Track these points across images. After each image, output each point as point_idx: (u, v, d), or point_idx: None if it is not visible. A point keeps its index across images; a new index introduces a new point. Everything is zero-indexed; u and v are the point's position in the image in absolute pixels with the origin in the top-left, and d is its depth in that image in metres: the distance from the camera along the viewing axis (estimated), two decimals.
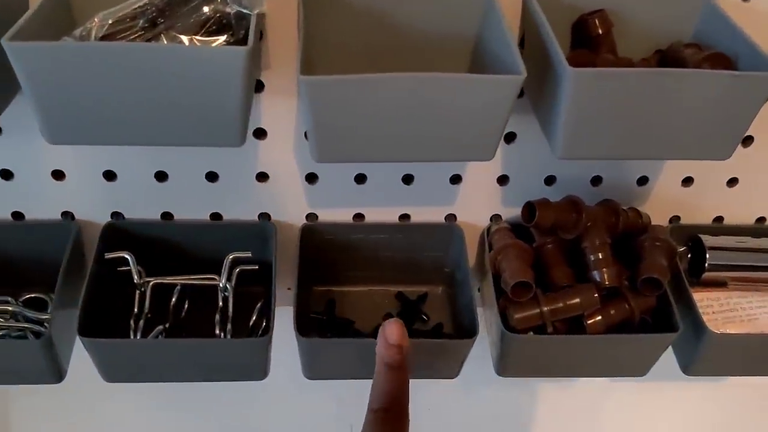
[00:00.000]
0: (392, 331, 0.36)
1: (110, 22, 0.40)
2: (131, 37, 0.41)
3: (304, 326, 0.51)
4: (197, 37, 0.42)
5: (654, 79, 0.41)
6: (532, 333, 0.53)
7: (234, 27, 0.43)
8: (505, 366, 0.54)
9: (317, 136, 0.42)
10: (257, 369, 0.53)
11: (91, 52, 0.37)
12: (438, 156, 0.44)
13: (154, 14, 0.41)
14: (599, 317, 0.52)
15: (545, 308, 0.51)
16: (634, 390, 0.79)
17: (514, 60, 0.41)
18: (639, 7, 0.49)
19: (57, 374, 0.53)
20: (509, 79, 0.40)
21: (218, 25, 0.43)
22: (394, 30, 0.49)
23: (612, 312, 0.53)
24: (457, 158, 0.45)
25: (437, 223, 0.59)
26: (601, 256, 0.53)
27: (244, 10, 0.42)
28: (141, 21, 0.41)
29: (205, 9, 0.42)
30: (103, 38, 0.41)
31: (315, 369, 0.54)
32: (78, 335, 0.49)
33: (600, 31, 0.48)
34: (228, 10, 0.42)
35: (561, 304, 0.51)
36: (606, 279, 0.52)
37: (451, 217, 0.59)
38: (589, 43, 0.48)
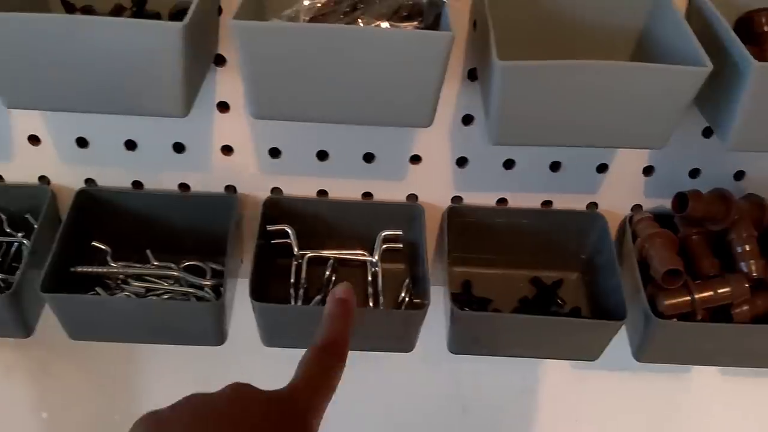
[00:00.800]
0: (340, 289, 0.41)
1: (318, 5, 0.43)
2: (333, 21, 0.44)
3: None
4: (389, 23, 0.45)
5: None
6: (676, 320, 0.54)
7: (425, 13, 0.46)
8: (646, 351, 0.56)
9: (501, 118, 0.44)
10: (408, 341, 0.56)
11: (305, 33, 0.41)
12: (612, 142, 0.46)
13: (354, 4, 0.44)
14: (746, 307, 0.54)
15: (696, 296, 0.53)
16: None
17: (696, 52, 0.43)
18: None
19: (220, 336, 0.57)
20: (698, 70, 0.42)
21: (409, 11, 0.46)
22: (561, 20, 0.51)
23: (758, 303, 0.54)
24: (631, 145, 0.47)
25: (581, 211, 0.61)
26: (748, 248, 0.54)
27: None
28: (343, 5, 0.44)
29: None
30: (311, 20, 0.44)
31: (461, 343, 0.57)
32: (251, 300, 0.53)
33: (766, 29, 0.50)
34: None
35: (712, 293, 0.53)
36: (754, 270, 0.54)
37: (592, 206, 0.61)
38: (755, 39, 0.50)
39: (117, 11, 0.49)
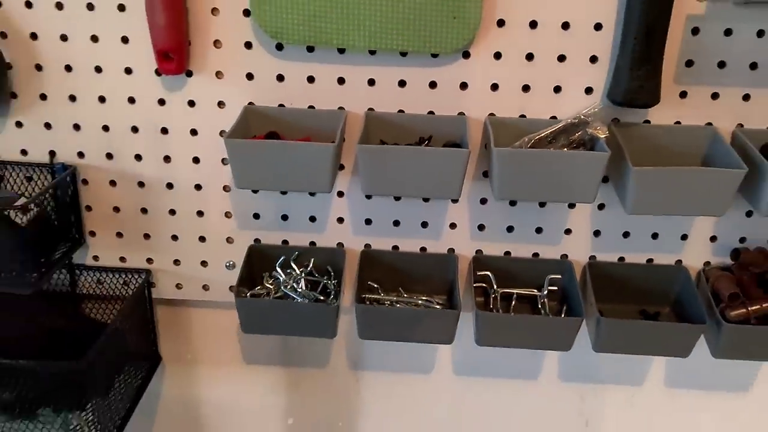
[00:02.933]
0: None
1: (533, 140, 0.83)
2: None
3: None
4: (566, 150, 0.84)
5: None
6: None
7: (586, 144, 0.84)
8: (720, 349, 0.89)
9: (635, 204, 0.81)
10: (568, 343, 0.91)
11: (530, 155, 0.80)
12: (703, 212, 0.83)
13: (552, 138, 0.84)
14: None
15: (750, 308, 0.87)
16: None
17: (738, 162, 0.81)
18: None
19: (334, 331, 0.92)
20: (739, 172, 0.79)
21: (578, 143, 0.85)
22: (658, 148, 0.89)
23: None
24: (708, 213, 0.83)
25: (671, 265, 0.96)
26: None
27: (595, 136, 0.83)
28: (548, 140, 0.84)
29: (576, 135, 0.84)
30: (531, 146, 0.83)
31: (605, 345, 0.91)
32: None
33: None
34: (584, 137, 0.84)
35: (758, 307, 0.87)
36: None
37: (678, 262, 0.96)
38: None
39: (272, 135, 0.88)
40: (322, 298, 0.94)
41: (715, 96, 0.87)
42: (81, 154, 0.94)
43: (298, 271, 0.96)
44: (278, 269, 0.95)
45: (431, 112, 0.89)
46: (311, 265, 0.96)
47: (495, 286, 0.96)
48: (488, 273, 0.96)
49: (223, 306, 1.05)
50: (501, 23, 0.84)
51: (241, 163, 0.82)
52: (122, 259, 1.00)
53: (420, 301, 0.96)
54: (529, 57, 0.86)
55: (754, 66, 0.85)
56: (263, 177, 0.83)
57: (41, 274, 0.87)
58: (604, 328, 0.89)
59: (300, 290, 0.94)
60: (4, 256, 0.85)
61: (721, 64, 0.85)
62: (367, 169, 0.81)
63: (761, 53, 0.85)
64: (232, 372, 1.12)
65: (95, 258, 1.00)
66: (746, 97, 0.87)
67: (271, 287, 0.95)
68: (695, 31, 0.84)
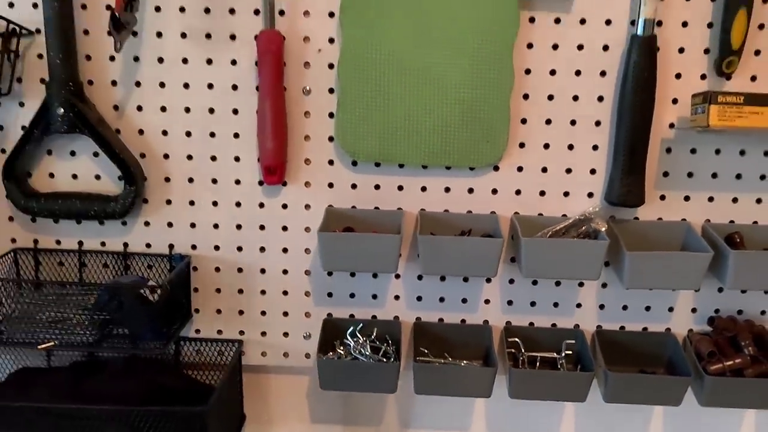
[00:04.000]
0: None
1: (551, 232, 1.09)
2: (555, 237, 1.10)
3: None
4: (576, 237, 1.10)
5: None
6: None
7: (590, 235, 1.11)
8: (704, 398, 1.12)
9: (630, 279, 1.07)
10: (583, 394, 1.13)
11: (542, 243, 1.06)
12: (682, 287, 1.08)
13: (564, 231, 1.10)
14: (750, 370, 1.11)
15: (725, 364, 1.10)
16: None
17: (707, 248, 1.07)
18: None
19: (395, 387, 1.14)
20: (707, 255, 1.05)
21: (585, 235, 1.11)
22: (650, 240, 1.15)
23: (756, 368, 1.11)
24: (686, 287, 1.08)
25: (662, 332, 1.20)
26: (747, 342, 1.12)
27: (597, 229, 1.10)
28: (561, 233, 1.10)
29: (582, 229, 1.10)
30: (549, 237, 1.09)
31: (613, 395, 1.13)
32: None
33: (737, 239, 1.13)
34: (589, 230, 1.10)
35: (732, 362, 1.10)
36: (751, 352, 1.11)
37: (667, 329, 1.20)
38: (732, 244, 1.13)
39: (348, 230, 1.14)
40: (384, 359, 1.17)
41: (686, 198, 1.14)
42: (194, 246, 1.20)
43: (363, 339, 1.19)
44: (348, 337, 1.19)
45: (470, 212, 1.16)
46: (374, 334, 1.20)
47: (523, 351, 1.19)
48: (517, 339, 1.19)
49: (298, 371, 1.27)
50: (522, 145, 1.13)
51: (328, 251, 1.08)
52: (219, 331, 1.24)
53: (462, 364, 1.19)
54: (544, 170, 1.14)
55: (714, 175, 1.13)
56: (344, 261, 1.08)
57: (166, 342, 1.10)
58: (610, 381, 1.12)
59: (366, 354, 1.17)
60: (140, 327, 1.08)
61: (690, 174, 1.13)
62: (425, 255, 1.07)
63: (719, 166, 1.13)
64: (301, 430, 1.33)
65: (197, 331, 1.24)
66: (710, 199, 1.14)
67: (342, 352, 1.19)
68: (669, 150, 1.12)
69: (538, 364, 1.19)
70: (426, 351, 1.20)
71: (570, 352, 1.20)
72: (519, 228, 1.10)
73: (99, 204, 1.14)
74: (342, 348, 1.19)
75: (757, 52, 1.08)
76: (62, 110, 1.08)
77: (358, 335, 1.20)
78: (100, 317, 1.10)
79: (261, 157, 1.12)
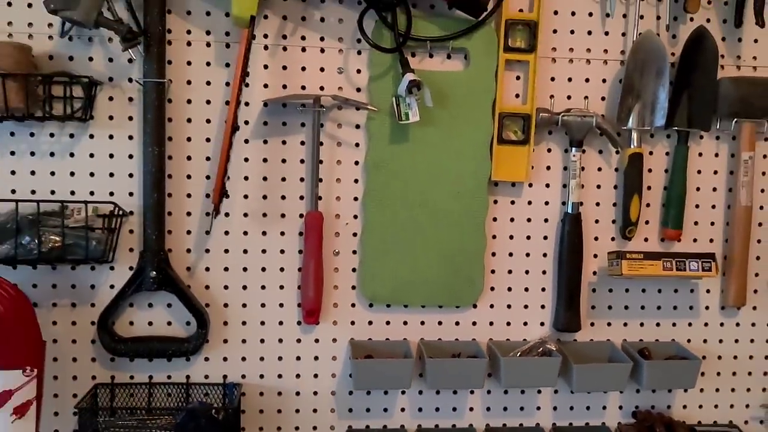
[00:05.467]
0: None
1: (519, 352, 1.50)
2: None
3: None
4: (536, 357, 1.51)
5: None
6: None
7: (546, 353, 1.52)
8: None
9: (576, 383, 1.48)
10: None
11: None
12: (607, 388, 1.50)
13: (529, 351, 1.51)
14: None
15: None
16: None
17: (627, 360, 1.50)
18: None
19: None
20: (629, 365, 1.49)
21: (542, 353, 1.52)
22: (582, 355, 1.58)
23: None
24: (614, 389, 1.50)
25: (600, 426, 1.60)
26: (661, 429, 1.55)
27: (551, 348, 1.52)
28: (527, 352, 1.51)
29: (540, 349, 1.52)
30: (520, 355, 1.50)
31: None
32: None
33: (647, 353, 1.58)
34: (546, 349, 1.52)
35: None
36: None
37: (603, 424, 1.61)
38: (645, 357, 1.57)
39: (368, 356, 1.53)
40: None
41: (609, 324, 1.59)
42: (243, 376, 1.52)
43: None
44: None
45: (457, 339, 1.56)
46: None
47: None
48: None
49: None
50: (492, 289, 1.56)
51: (361, 374, 1.44)
52: None
53: None
54: (509, 306, 1.57)
55: (626, 307, 1.59)
56: (373, 381, 1.44)
57: None
58: None
59: None
60: None
61: (609, 307, 1.59)
62: (432, 373, 1.45)
63: (629, 301, 1.59)
64: None
65: None
66: (625, 324, 1.59)
67: None
68: (594, 290, 1.58)
69: None
70: None
71: None
72: (497, 350, 1.50)
73: (175, 345, 1.45)
74: None
75: (647, 222, 1.58)
76: (155, 273, 1.41)
77: None
78: None
79: (303, 303, 1.49)
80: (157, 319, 1.48)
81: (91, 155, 1.43)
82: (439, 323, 1.55)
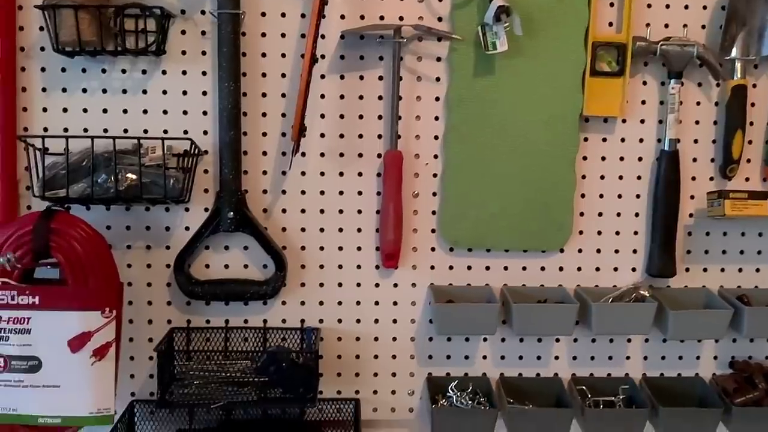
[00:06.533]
0: None
1: (611, 299, 1.42)
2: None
3: None
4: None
5: None
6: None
7: (639, 300, 1.44)
8: (734, 428, 1.43)
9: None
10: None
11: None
12: (704, 336, 1.41)
13: (620, 298, 1.43)
14: (766, 400, 1.43)
15: (747, 397, 1.43)
16: None
17: (727, 307, 1.41)
18: None
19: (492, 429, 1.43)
20: (730, 312, 1.39)
21: (635, 300, 1.44)
22: (677, 302, 1.49)
23: None
24: (715, 337, 1.42)
25: (692, 377, 1.52)
26: (760, 380, 1.45)
27: (643, 295, 1.43)
28: (619, 299, 1.43)
29: (632, 296, 1.43)
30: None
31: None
32: None
33: (746, 300, 1.48)
34: (638, 296, 1.44)
35: (751, 396, 1.43)
36: (765, 386, 1.44)
37: (696, 374, 1.52)
38: (744, 304, 1.48)
39: (449, 301, 1.46)
40: (482, 408, 1.45)
41: (704, 270, 1.50)
42: (321, 320, 1.47)
43: (458, 393, 1.47)
44: (450, 391, 1.47)
45: (542, 285, 1.48)
46: (469, 388, 1.48)
47: (589, 396, 1.49)
48: (583, 387, 1.49)
49: (402, 424, 1.53)
50: (581, 233, 1.47)
51: (441, 318, 1.38)
52: (338, 392, 1.50)
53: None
54: (598, 251, 1.48)
55: (724, 252, 1.49)
56: (455, 327, 1.38)
57: (313, 400, 1.35)
58: (662, 415, 1.42)
59: (467, 404, 1.44)
60: (294, 388, 1.34)
61: (706, 252, 1.49)
62: (519, 320, 1.38)
63: (727, 245, 1.49)
64: None
65: (319, 392, 1.49)
66: (722, 270, 1.50)
67: (446, 404, 1.46)
68: (690, 233, 1.48)
69: (601, 405, 1.49)
70: (511, 401, 1.49)
71: (623, 396, 1.50)
72: (586, 296, 1.42)
73: (253, 288, 1.41)
74: (445, 400, 1.47)
75: (748, 160, 1.47)
76: (232, 214, 1.36)
77: (454, 389, 1.48)
78: (260, 380, 1.36)
79: (382, 246, 1.43)
80: (233, 261, 1.44)
81: (164, 92, 1.38)
82: (524, 269, 1.48)
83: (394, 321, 1.48)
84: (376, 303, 1.47)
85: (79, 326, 1.24)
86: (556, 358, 1.51)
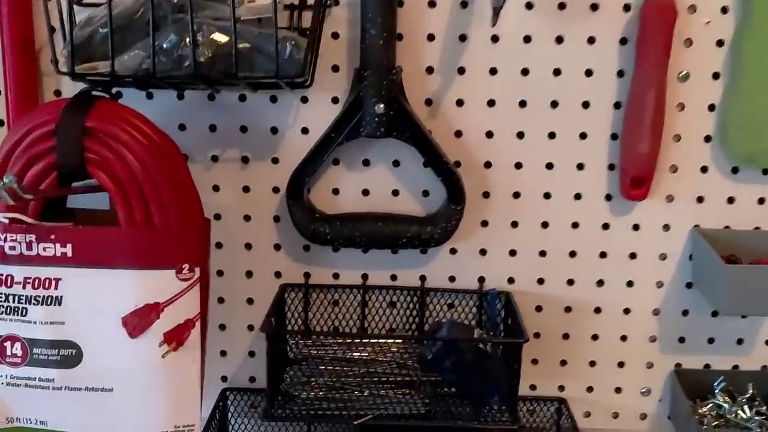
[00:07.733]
0: None
1: None
2: None
3: None
4: None
5: None
6: None
7: None
8: None
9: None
10: None
11: None
12: None
13: None
14: None
15: None
16: None
17: None
18: None
19: None
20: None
21: None
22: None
23: None
24: None
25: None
26: None
27: None
28: None
29: None
30: None
31: None
32: None
33: None
34: None
35: None
36: None
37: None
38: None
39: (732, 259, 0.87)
40: None
41: None
42: (511, 280, 0.93)
43: (726, 397, 0.92)
44: (718, 394, 0.92)
45: None
46: (749, 391, 0.93)
47: None
48: None
49: None
50: None
51: (730, 287, 0.81)
52: (532, 386, 0.97)
53: None
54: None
55: None
56: (754, 301, 0.81)
57: (514, 408, 0.83)
58: None
59: (751, 419, 0.90)
60: (484, 389, 0.82)
61: None
62: None
63: None
64: None
65: None
66: None
67: (707, 412, 0.92)
68: None
69: None
70: None
71: None
72: None
73: (415, 228, 0.87)
74: (705, 407, 0.92)
75: None
76: (382, 107, 0.81)
77: (721, 393, 0.93)
78: (427, 379, 0.84)
79: (626, 164, 0.86)
80: (377, 185, 0.90)
81: None
82: None
83: (629, 284, 0.93)
84: (603, 255, 0.92)
85: (142, 294, 0.74)
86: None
